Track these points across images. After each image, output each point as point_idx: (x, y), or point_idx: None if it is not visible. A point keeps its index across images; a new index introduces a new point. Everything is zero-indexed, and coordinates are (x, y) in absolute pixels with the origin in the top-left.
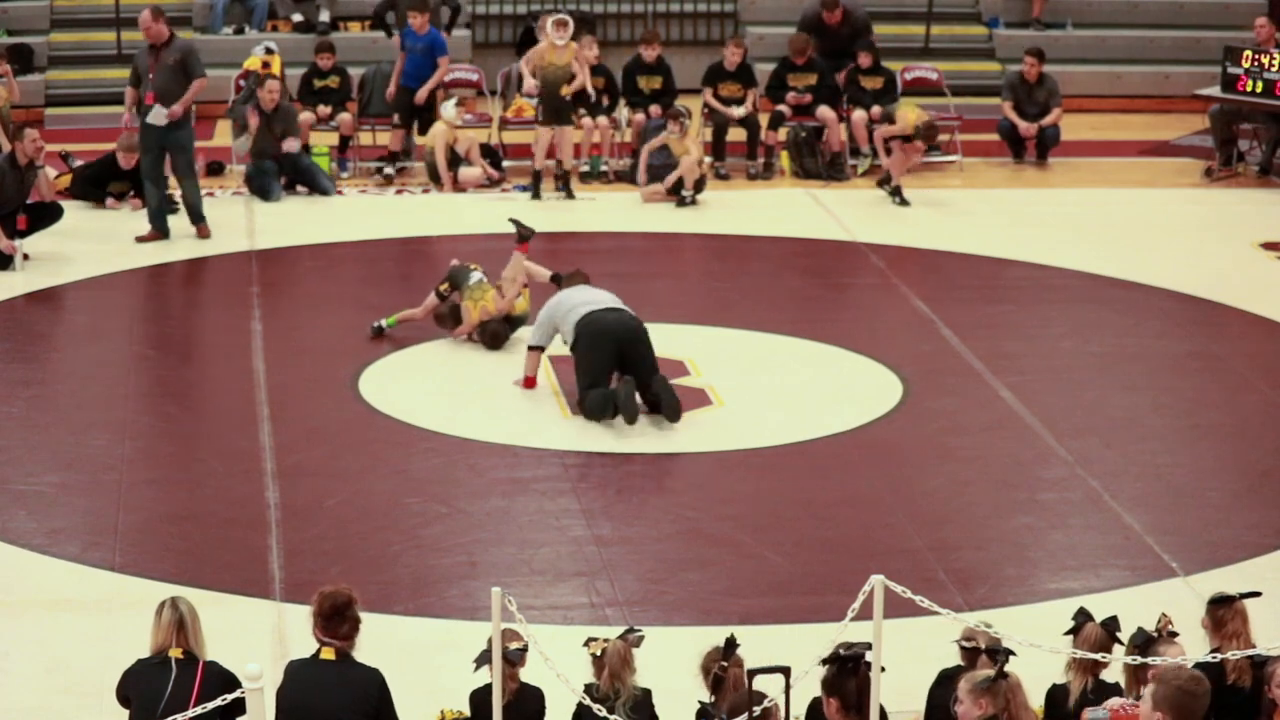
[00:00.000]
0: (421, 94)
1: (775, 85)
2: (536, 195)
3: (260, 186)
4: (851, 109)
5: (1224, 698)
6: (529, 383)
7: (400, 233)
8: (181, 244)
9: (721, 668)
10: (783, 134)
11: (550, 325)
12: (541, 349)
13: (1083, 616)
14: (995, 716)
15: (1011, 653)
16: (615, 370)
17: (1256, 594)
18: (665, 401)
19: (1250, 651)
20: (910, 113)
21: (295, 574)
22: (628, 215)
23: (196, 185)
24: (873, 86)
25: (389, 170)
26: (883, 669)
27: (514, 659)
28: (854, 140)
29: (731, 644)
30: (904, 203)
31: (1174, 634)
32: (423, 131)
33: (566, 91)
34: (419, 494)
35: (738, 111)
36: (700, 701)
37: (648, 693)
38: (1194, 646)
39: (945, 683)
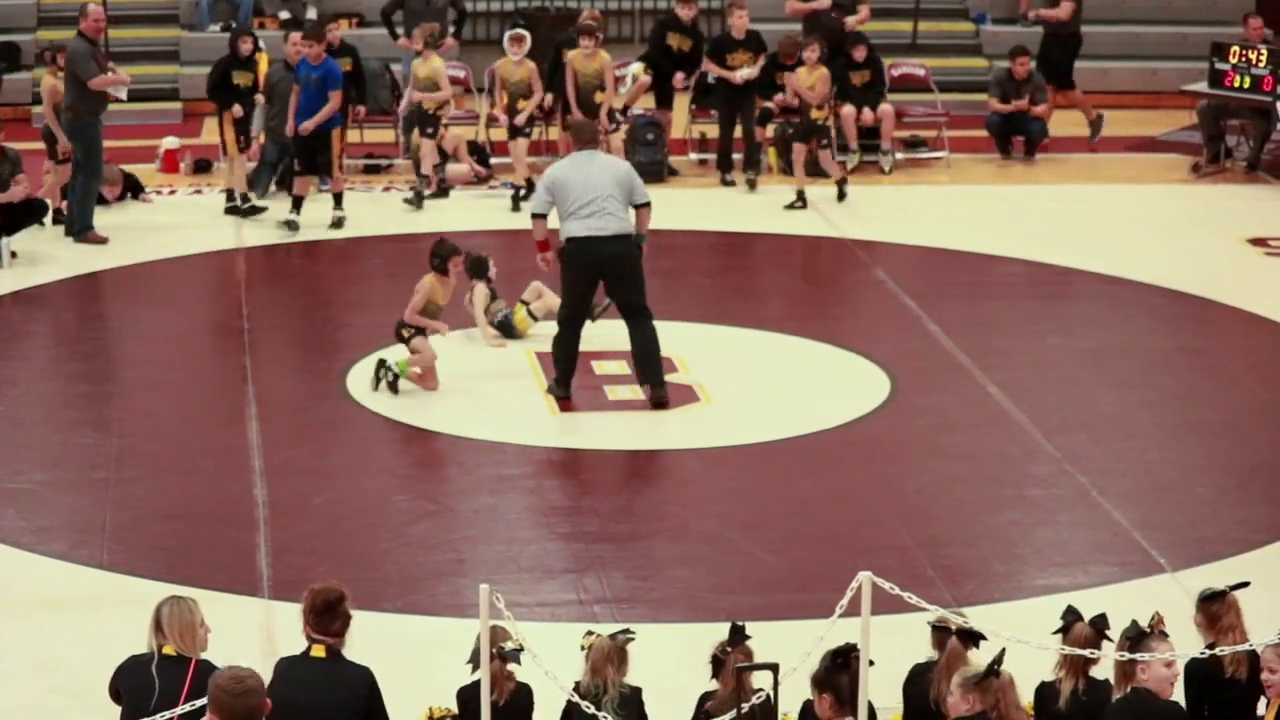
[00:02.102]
0: (308, 125)
1: (764, 84)
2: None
3: (253, 178)
4: (840, 104)
5: (1222, 692)
6: (542, 246)
7: (388, 230)
8: (173, 243)
9: (725, 651)
10: (770, 130)
11: (548, 197)
12: (544, 216)
13: (1071, 616)
14: (984, 713)
15: (982, 636)
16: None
17: (1245, 584)
18: (652, 379)
19: (1246, 646)
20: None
21: (283, 572)
22: None
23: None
24: (861, 81)
25: (293, 217)
26: (871, 662)
27: (512, 657)
28: (842, 136)
29: (737, 631)
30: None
31: (1164, 633)
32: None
33: (524, 106)
34: (407, 491)
35: (743, 72)
36: (704, 694)
37: (637, 690)
38: (1184, 643)
39: (918, 679)
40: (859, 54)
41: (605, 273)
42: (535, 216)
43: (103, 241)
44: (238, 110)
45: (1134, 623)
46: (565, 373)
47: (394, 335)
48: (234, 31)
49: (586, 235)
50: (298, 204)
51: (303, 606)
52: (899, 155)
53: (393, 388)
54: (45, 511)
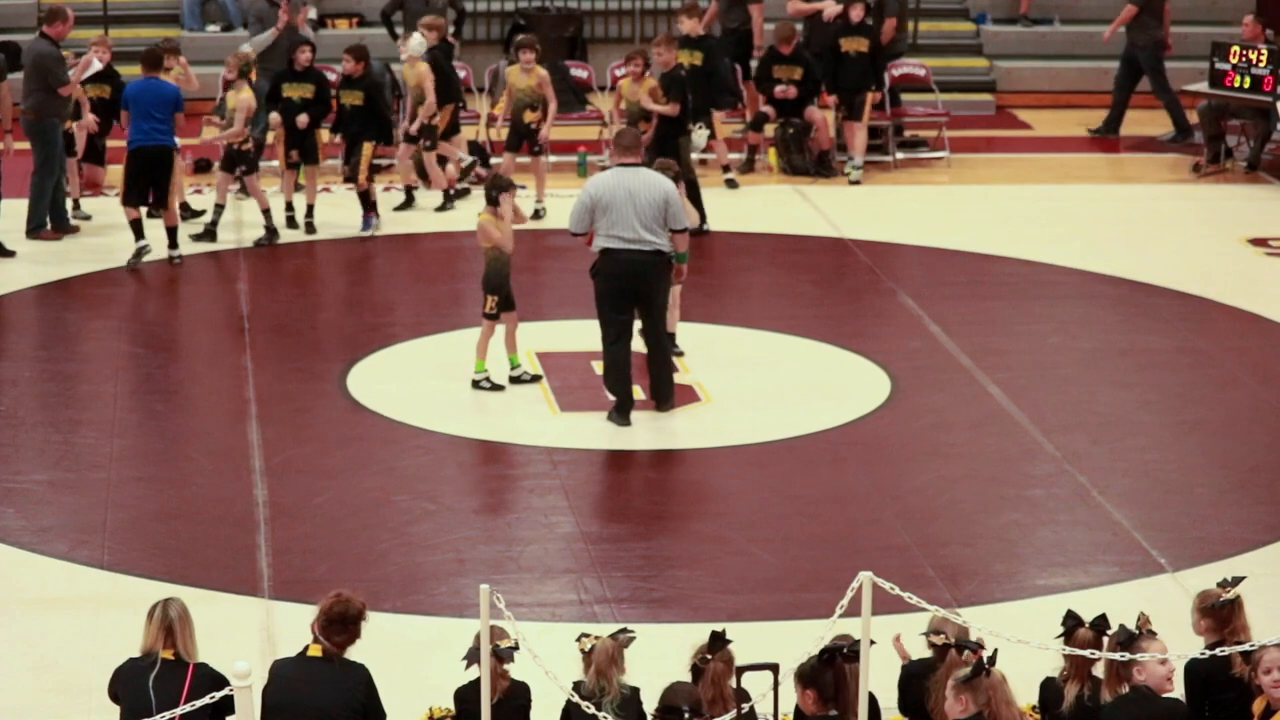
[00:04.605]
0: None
1: (761, 77)
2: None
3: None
4: (845, 119)
5: (1223, 692)
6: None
7: (388, 230)
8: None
9: (704, 659)
10: (770, 130)
11: (589, 218)
12: (581, 235)
13: (1072, 620)
14: (979, 714)
15: (981, 645)
16: (632, 307)
17: (1241, 578)
18: (658, 394)
19: (1248, 646)
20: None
21: (283, 572)
22: None
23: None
24: (855, 50)
25: (134, 260)
26: (873, 641)
27: (505, 656)
28: (841, 136)
29: (716, 638)
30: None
31: (1152, 632)
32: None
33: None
34: (407, 491)
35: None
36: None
37: (636, 691)
38: (1186, 642)
39: (915, 681)
40: (856, 13)
41: (636, 285)
42: (574, 235)
43: (57, 238)
44: (274, 120)
45: (1122, 626)
46: (623, 398)
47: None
48: (289, 42)
49: (619, 248)
50: (137, 229)
51: (320, 605)
52: (899, 155)
53: (530, 381)
54: (46, 512)
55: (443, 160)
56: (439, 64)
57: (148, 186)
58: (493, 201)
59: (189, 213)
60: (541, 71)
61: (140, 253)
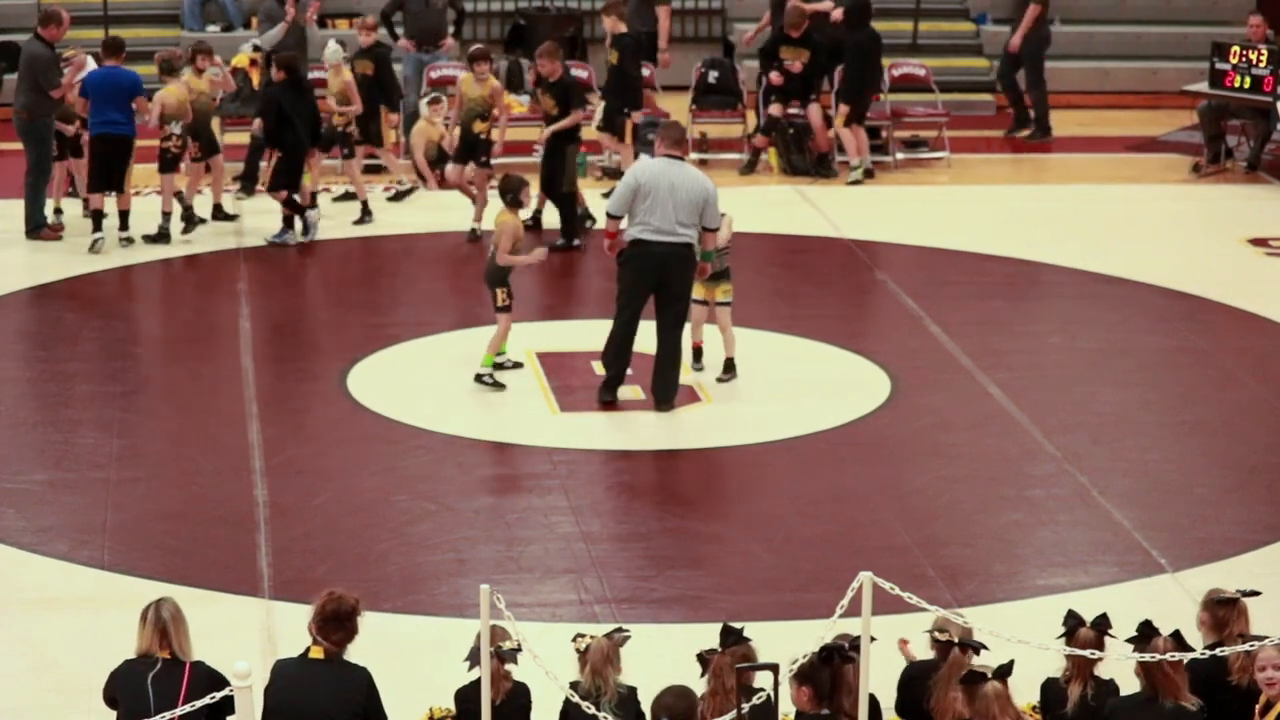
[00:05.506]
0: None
1: (768, 56)
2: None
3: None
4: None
5: (1223, 693)
6: (610, 235)
7: (387, 230)
8: (173, 243)
9: (711, 652)
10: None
11: (631, 199)
12: (620, 218)
13: (1073, 620)
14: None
15: (984, 646)
16: (653, 294)
17: (1256, 593)
18: (659, 392)
19: (1246, 646)
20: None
21: (283, 572)
22: None
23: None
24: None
25: (97, 237)
26: (873, 638)
27: (508, 657)
28: (840, 137)
29: (727, 632)
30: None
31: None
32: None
33: (339, 120)
34: (407, 491)
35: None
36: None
37: (633, 690)
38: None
39: (914, 681)
40: (836, 13)
41: (662, 276)
42: (611, 217)
43: (58, 238)
44: (256, 126)
45: (1178, 632)
46: (614, 376)
47: (487, 285)
48: (294, 41)
49: (651, 239)
50: (97, 217)
51: (314, 605)
52: (900, 155)
53: (512, 368)
54: (46, 512)
55: (444, 157)
56: (385, 63)
57: (109, 173)
58: (514, 204)
59: (223, 215)
60: (495, 83)
61: (96, 245)
